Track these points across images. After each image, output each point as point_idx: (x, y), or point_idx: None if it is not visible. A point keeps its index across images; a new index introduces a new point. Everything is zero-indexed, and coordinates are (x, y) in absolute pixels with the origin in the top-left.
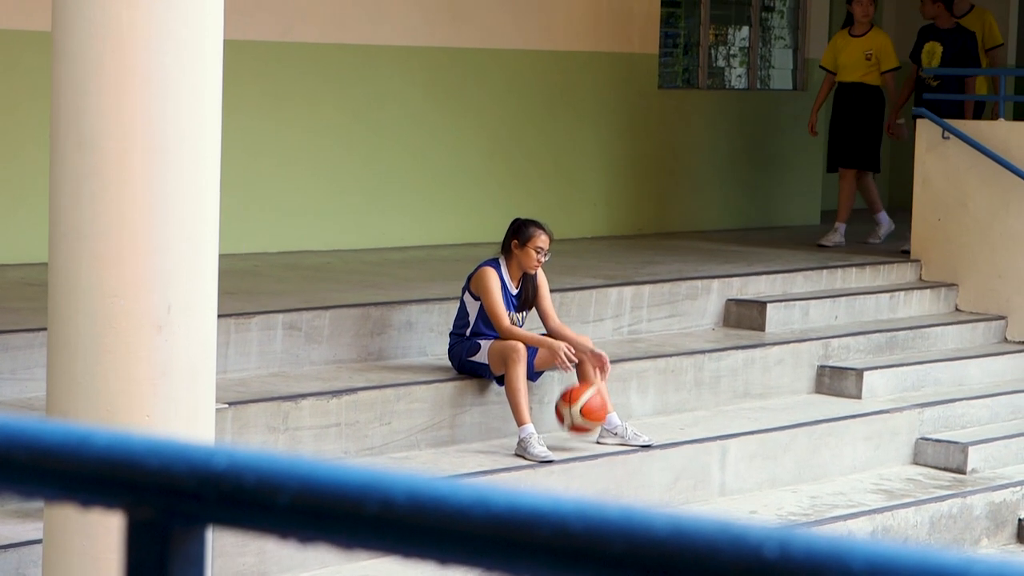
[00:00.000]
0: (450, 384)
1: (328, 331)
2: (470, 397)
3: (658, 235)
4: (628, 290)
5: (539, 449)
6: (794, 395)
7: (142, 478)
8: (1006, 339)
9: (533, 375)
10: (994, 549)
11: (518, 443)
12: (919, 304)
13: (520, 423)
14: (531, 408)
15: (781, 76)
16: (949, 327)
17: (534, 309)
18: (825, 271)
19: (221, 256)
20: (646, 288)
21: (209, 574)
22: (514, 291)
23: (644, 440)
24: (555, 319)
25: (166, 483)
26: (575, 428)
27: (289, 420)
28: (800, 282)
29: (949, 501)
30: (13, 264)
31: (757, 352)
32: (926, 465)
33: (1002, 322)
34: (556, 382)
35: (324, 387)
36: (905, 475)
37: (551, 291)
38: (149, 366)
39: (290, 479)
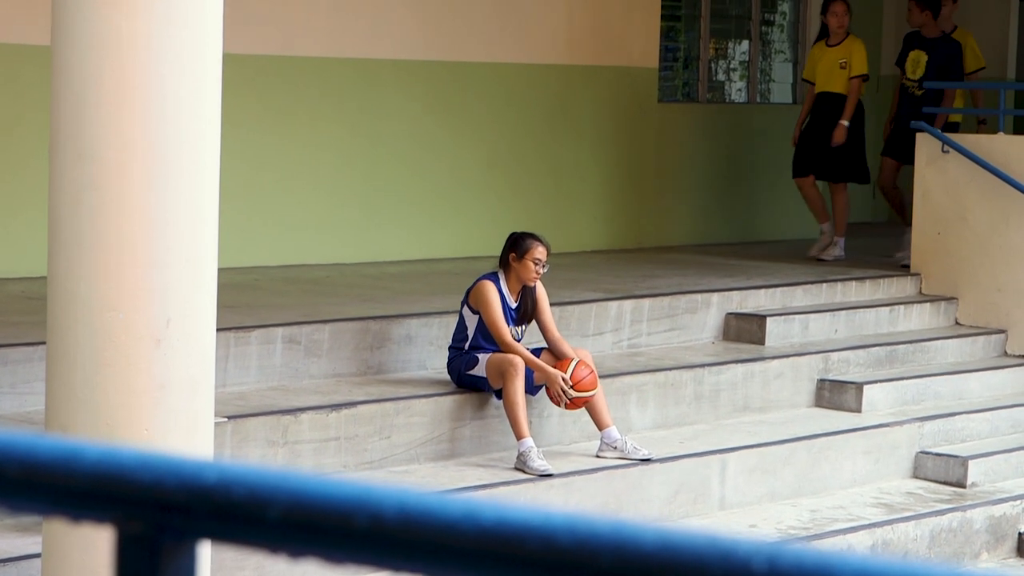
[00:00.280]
0: (449, 398)
1: (328, 345)
2: (469, 411)
3: (658, 249)
4: (628, 304)
5: (538, 463)
6: (794, 409)
7: (133, 492)
8: (1006, 353)
9: (532, 389)
10: (994, 563)
11: (517, 457)
12: (919, 318)
13: (519, 437)
14: (530, 422)
15: (781, 90)
16: (949, 341)
17: (534, 322)
18: (825, 285)
19: (221, 270)
20: (646, 302)
21: None
22: (513, 304)
23: (644, 454)
24: (555, 332)
25: (157, 497)
26: (571, 404)
27: (288, 434)
28: (800, 296)
29: (949, 515)
30: (13, 277)
31: (757, 366)
32: (926, 479)
33: (1002, 336)
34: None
35: (323, 401)
36: (905, 489)
37: (550, 304)
38: (148, 379)
39: (280, 493)
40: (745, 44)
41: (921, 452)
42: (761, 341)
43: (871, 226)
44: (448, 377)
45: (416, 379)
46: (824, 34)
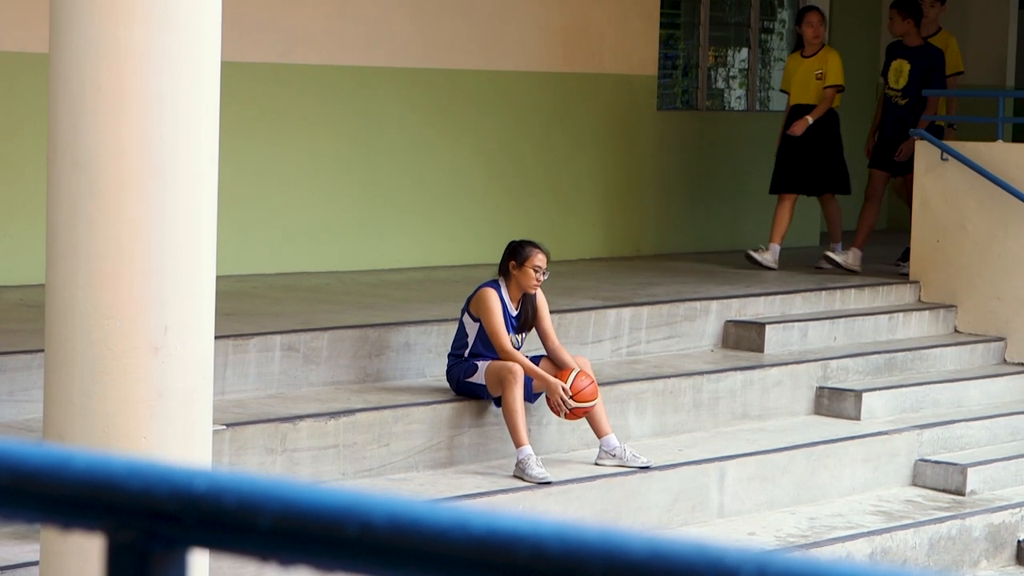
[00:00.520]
0: (448, 405)
1: (326, 352)
2: (468, 418)
3: (657, 256)
4: (627, 311)
5: (537, 471)
6: (793, 416)
7: (123, 501)
8: (1005, 360)
9: (531, 396)
10: (993, 571)
11: (516, 464)
12: (918, 325)
13: (518, 444)
14: (529, 430)
15: (780, 98)
16: (948, 348)
17: (534, 330)
18: (824, 292)
19: (219, 277)
20: (645, 309)
21: None
22: (514, 312)
23: (642, 462)
24: (554, 339)
25: (147, 506)
26: (571, 414)
27: (287, 441)
28: (799, 303)
29: (948, 523)
30: (11, 285)
31: (756, 373)
32: (925, 487)
33: (1001, 343)
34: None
35: (322, 408)
36: (904, 497)
37: (550, 312)
38: (146, 388)
39: (270, 502)
40: (744, 52)
41: (920, 460)
42: (760, 349)
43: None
44: (447, 384)
45: (415, 387)
46: (799, 45)
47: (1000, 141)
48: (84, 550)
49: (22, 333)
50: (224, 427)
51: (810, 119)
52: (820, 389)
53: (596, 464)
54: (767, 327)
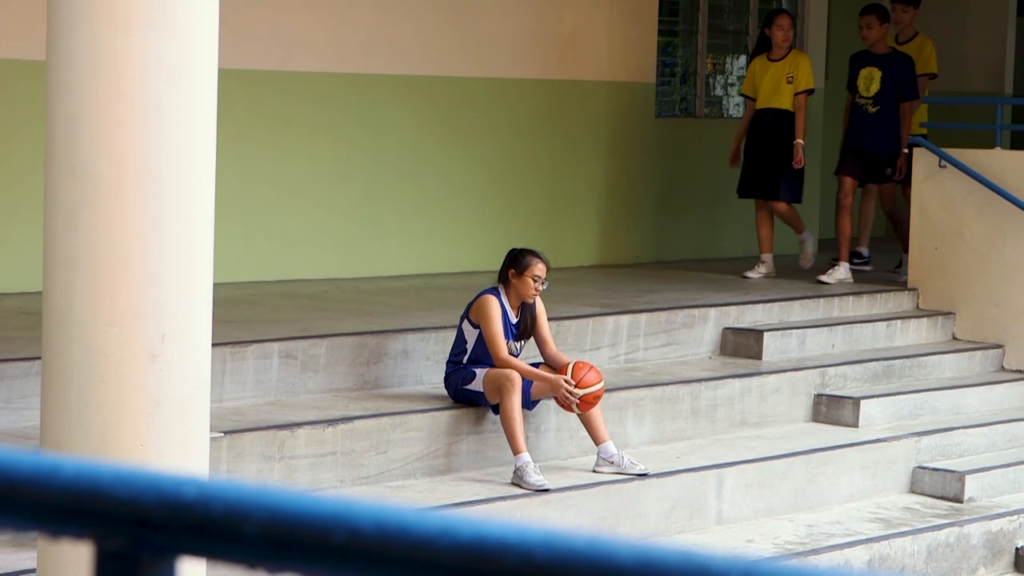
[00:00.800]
0: (446, 413)
1: (324, 360)
2: (466, 426)
3: (655, 264)
4: (625, 319)
5: (535, 478)
6: (791, 424)
7: (111, 508)
8: (1003, 368)
9: (529, 404)
10: None
11: (514, 472)
12: (916, 333)
13: (516, 452)
14: (527, 437)
15: None
16: (946, 356)
17: (532, 337)
18: (822, 299)
19: (218, 284)
20: (643, 317)
21: None
22: (514, 320)
23: (640, 469)
24: (552, 346)
25: (135, 513)
26: (583, 403)
27: (285, 449)
28: (797, 310)
29: (946, 530)
30: (9, 293)
31: (754, 381)
32: (923, 494)
33: (999, 351)
34: (552, 411)
35: (320, 416)
36: (902, 504)
37: (548, 319)
38: (143, 395)
39: (258, 509)
40: (742, 59)
41: (918, 467)
42: (758, 356)
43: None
44: (445, 392)
45: (413, 394)
46: (763, 48)
47: (998, 148)
48: (80, 557)
49: (20, 340)
50: (222, 434)
51: (801, 141)
52: (818, 396)
53: (594, 471)
54: (765, 334)
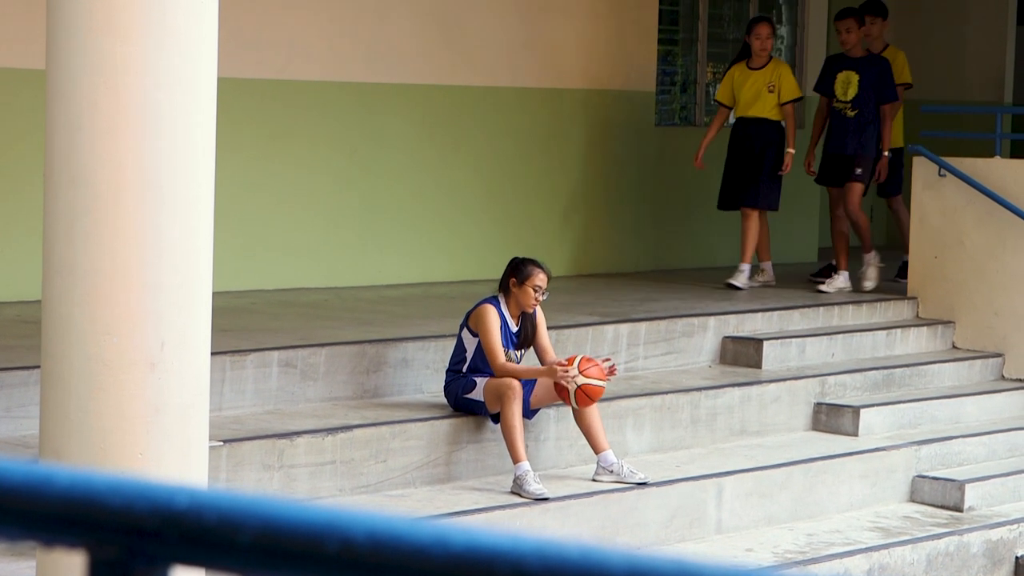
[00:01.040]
0: (446, 421)
1: (324, 368)
2: (466, 434)
3: (655, 272)
4: (624, 327)
5: (535, 487)
6: (790, 432)
7: (104, 517)
8: (1003, 376)
9: (529, 412)
10: None
11: (514, 481)
12: (916, 341)
13: (516, 461)
14: (527, 446)
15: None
16: (946, 364)
17: (532, 347)
18: (822, 308)
19: (217, 293)
20: (642, 325)
21: None
22: (514, 329)
23: (640, 478)
24: (552, 355)
25: (128, 522)
26: (580, 393)
27: (284, 458)
28: (797, 319)
29: (946, 539)
30: (9, 301)
31: (754, 389)
32: (923, 503)
33: (999, 359)
34: (552, 420)
35: (320, 424)
36: (902, 513)
37: (548, 328)
38: (143, 403)
39: (251, 518)
40: None
41: (918, 476)
42: (758, 365)
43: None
44: (445, 401)
45: (412, 403)
46: (743, 55)
47: (998, 157)
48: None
49: (19, 349)
50: (221, 443)
51: (792, 150)
52: (818, 405)
53: (594, 480)
54: (765, 343)
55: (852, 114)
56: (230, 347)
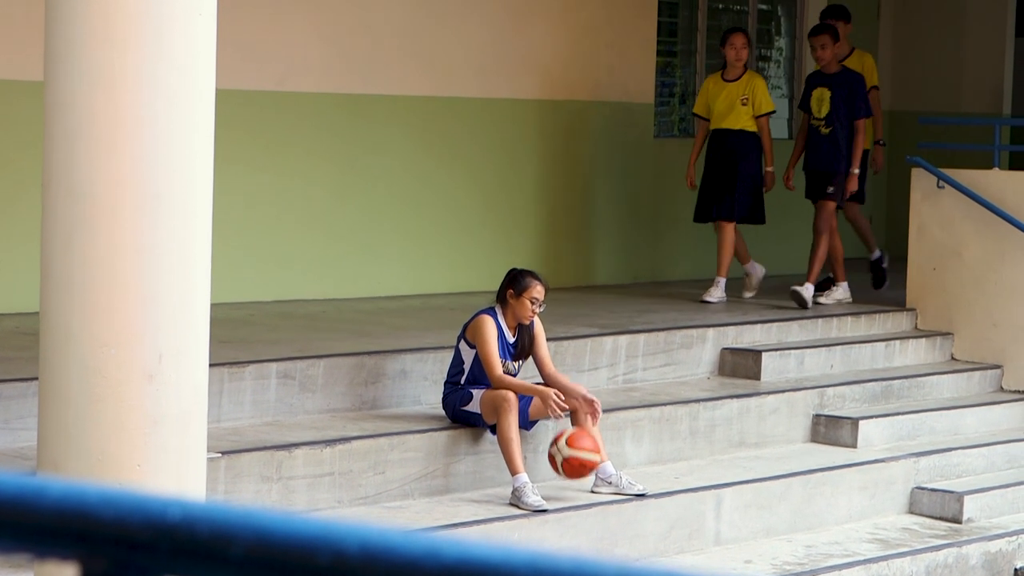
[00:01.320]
0: (444, 433)
1: (322, 380)
2: (464, 446)
3: (654, 284)
4: (623, 339)
5: (533, 499)
6: (789, 444)
7: (96, 529)
8: (1002, 388)
9: (527, 424)
10: None
11: (512, 492)
12: (915, 353)
13: (514, 473)
14: (525, 457)
15: (777, 125)
16: (945, 376)
17: (530, 357)
18: (820, 320)
19: (215, 305)
20: (641, 337)
21: None
22: (511, 340)
23: (639, 489)
24: (551, 367)
25: (120, 534)
26: (568, 465)
27: (282, 469)
28: (795, 331)
29: (945, 551)
30: (7, 313)
31: (752, 401)
32: (922, 514)
33: (998, 371)
34: (550, 431)
35: (318, 436)
36: (901, 524)
37: (547, 340)
38: (141, 415)
39: (243, 531)
40: None
41: (917, 487)
42: (757, 376)
43: (866, 261)
44: (443, 412)
45: (411, 414)
46: (724, 66)
47: (996, 169)
48: None
49: (18, 361)
50: (219, 455)
51: (771, 168)
52: (817, 417)
53: (592, 492)
54: (763, 355)
55: (826, 131)
56: (228, 359)
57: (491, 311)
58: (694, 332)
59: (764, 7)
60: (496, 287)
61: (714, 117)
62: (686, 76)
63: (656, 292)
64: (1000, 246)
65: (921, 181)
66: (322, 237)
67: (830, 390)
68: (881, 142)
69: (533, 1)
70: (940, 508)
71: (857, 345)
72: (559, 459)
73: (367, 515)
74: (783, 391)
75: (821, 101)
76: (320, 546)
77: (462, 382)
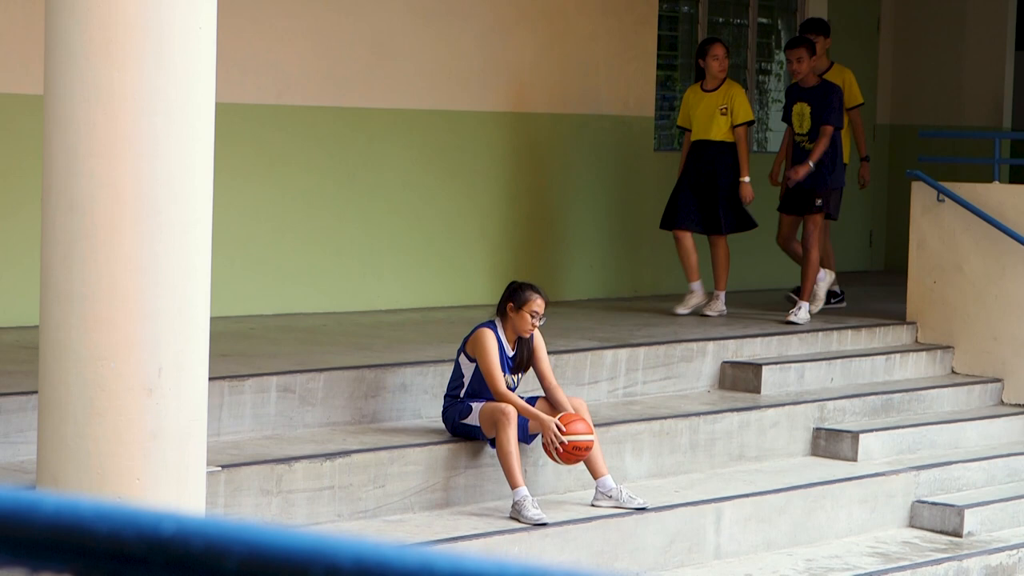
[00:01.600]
0: (444, 447)
1: (322, 393)
2: (464, 460)
3: (654, 297)
4: (623, 352)
5: (533, 512)
6: (789, 458)
7: (91, 543)
8: (1002, 402)
9: (527, 437)
10: None
11: (512, 506)
12: (915, 367)
13: (513, 486)
14: (525, 471)
15: (777, 139)
16: (945, 390)
17: (531, 370)
18: (820, 333)
19: (215, 318)
20: (641, 350)
21: None
22: (510, 353)
23: (639, 503)
24: (552, 380)
25: (115, 548)
26: (566, 454)
27: (282, 483)
28: (795, 344)
29: (945, 564)
30: (6, 327)
31: (752, 414)
32: (922, 528)
33: (998, 385)
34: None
35: (318, 450)
36: (901, 538)
37: (547, 353)
38: (140, 429)
39: (237, 545)
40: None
41: (917, 501)
42: (757, 390)
43: (867, 275)
44: (443, 426)
45: (411, 428)
46: (699, 77)
47: (996, 182)
48: None
49: (17, 375)
50: (219, 468)
51: (747, 179)
52: (817, 430)
53: (592, 505)
54: (764, 368)
55: (809, 147)
56: (228, 372)
57: (491, 324)
58: (694, 345)
59: (764, 20)
60: (496, 300)
61: (694, 128)
62: (686, 89)
63: (657, 305)
64: (1000, 260)
65: (921, 195)
66: (322, 250)
67: (830, 403)
68: (866, 158)
69: (532, 15)
70: (941, 522)
71: (857, 358)
72: (554, 446)
73: (367, 529)
74: (783, 404)
75: (802, 116)
76: (314, 560)
77: (462, 395)
